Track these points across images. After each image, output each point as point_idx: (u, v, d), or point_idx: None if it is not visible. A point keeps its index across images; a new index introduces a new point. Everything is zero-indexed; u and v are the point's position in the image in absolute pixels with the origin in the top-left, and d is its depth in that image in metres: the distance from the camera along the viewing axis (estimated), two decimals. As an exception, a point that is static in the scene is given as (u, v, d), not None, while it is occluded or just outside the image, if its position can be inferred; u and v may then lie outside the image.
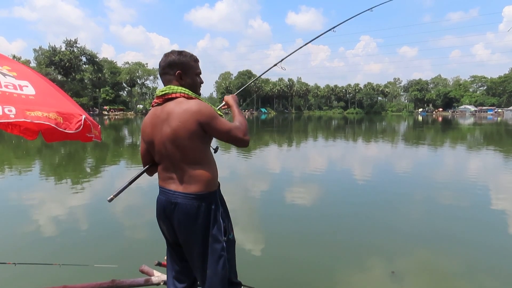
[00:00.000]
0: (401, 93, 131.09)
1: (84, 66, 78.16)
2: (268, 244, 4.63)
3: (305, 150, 16.64)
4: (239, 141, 1.90)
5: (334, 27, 3.00)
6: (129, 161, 11.54)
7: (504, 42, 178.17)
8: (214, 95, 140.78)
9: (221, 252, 1.92)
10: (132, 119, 57.90)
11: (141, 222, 5.41)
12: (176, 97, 1.89)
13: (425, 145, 18.75)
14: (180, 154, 1.85)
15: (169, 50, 2.01)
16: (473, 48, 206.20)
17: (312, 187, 8.04)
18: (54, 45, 71.46)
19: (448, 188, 8.00)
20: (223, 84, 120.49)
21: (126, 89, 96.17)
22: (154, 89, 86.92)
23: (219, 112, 1.95)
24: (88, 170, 10.90)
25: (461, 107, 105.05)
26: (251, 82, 2.66)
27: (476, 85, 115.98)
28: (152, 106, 2.00)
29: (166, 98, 1.91)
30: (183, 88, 1.91)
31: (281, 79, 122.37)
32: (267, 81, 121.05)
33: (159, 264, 2.82)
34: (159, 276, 2.80)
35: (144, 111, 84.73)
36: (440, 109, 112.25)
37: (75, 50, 72.78)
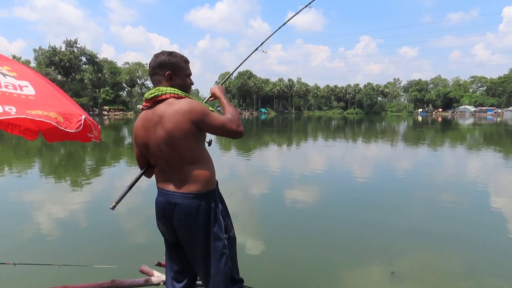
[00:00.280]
0: (401, 94, 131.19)
1: (84, 66, 78.17)
2: (268, 244, 4.63)
3: (305, 151, 16.64)
4: (234, 133, 1.91)
5: (309, 4, 2.96)
6: (129, 161, 11.54)
7: (504, 43, 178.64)
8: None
9: (223, 250, 1.92)
10: (132, 119, 57.88)
11: (141, 222, 5.41)
12: (166, 98, 1.87)
13: (425, 145, 18.76)
14: (176, 155, 1.85)
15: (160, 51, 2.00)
16: (473, 48, 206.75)
17: (312, 187, 8.04)
18: (54, 45, 71.53)
19: (448, 188, 8.00)
20: (223, 85, 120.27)
21: (126, 89, 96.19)
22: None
23: (210, 108, 1.94)
24: (88, 170, 10.89)
25: (461, 107, 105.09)
26: (235, 70, 2.61)
27: (476, 86, 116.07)
28: (142, 110, 1.99)
29: (156, 101, 1.90)
30: (172, 88, 1.90)
31: (281, 79, 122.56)
32: (267, 81, 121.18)
33: (159, 264, 2.82)
34: (159, 276, 2.80)
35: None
36: (440, 110, 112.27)
37: (75, 50, 72.78)
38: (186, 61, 2.01)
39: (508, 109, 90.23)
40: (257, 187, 8.13)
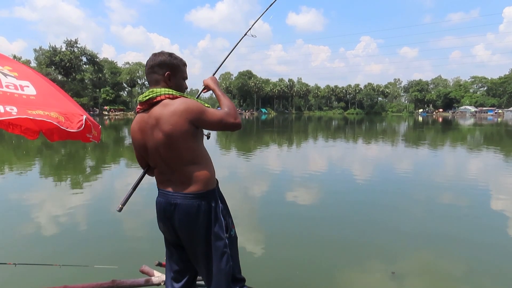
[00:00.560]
0: (402, 94, 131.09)
1: (84, 66, 78.23)
2: (269, 244, 4.62)
3: (306, 151, 16.63)
4: (232, 127, 1.92)
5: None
6: (130, 161, 11.55)
7: (504, 43, 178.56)
8: (214, 95, 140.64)
9: (224, 249, 1.93)
10: (132, 119, 57.81)
11: (142, 222, 5.41)
12: (161, 100, 1.86)
13: (425, 146, 18.75)
14: (175, 157, 1.85)
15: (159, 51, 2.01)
16: (474, 49, 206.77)
17: (312, 188, 8.03)
18: (55, 45, 71.60)
19: (449, 188, 7.99)
20: (223, 85, 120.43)
21: (127, 89, 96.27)
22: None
23: (206, 104, 1.94)
24: (89, 170, 10.90)
25: (462, 107, 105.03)
26: (227, 56, 2.57)
27: (476, 86, 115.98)
28: (137, 112, 1.98)
29: (151, 103, 1.89)
30: (166, 89, 1.89)
31: (281, 80, 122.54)
32: (267, 81, 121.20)
33: (160, 265, 2.82)
34: (159, 276, 2.80)
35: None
36: (441, 110, 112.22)
37: (76, 50, 72.83)
38: (185, 65, 2.03)
39: (509, 109, 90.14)
40: (257, 187, 8.12)
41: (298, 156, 14.84)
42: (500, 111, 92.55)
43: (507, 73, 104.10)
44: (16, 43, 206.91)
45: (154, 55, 1.96)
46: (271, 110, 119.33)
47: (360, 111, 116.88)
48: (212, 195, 1.93)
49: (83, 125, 2.01)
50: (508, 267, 3.95)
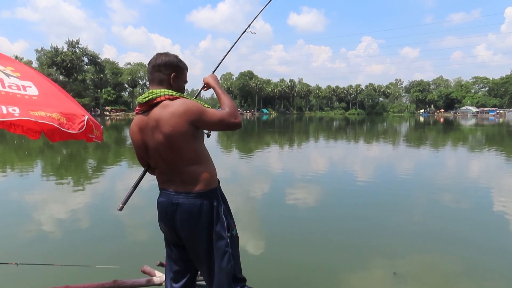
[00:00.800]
0: (403, 94, 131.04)
1: (86, 66, 78.42)
2: (270, 245, 4.62)
3: (307, 151, 16.63)
4: (232, 126, 1.91)
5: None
6: (131, 161, 11.57)
7: (506, 43, 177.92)
8: (215, 95, 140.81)
9: (226, 248, 1.93)
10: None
11: (143, 222, 5.42)
12: (161, 101, 1.87)
13: (427, 146, 18.72)
14: (176, 157, 1.86)
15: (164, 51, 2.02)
16: (475, 49, 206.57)
17: (313, 188, 8.03)
18: (56, 46, 71.76)
19: (450, 189, 7.98)
20: (224, 85, 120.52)
21: (128, 90, 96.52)
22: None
23: (205, 105, 1.95)
24: (90, 170, 10.92)
25: (463, 108, 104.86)
26: (227, 52, 2.56)
27: (477, 86, 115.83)
28: (136, 114, 1.98)
29: (151, 104, 1.89)
30: (166, 90, 1.89)
31: (282, 80, 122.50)
32: (268, 81, 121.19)
33: (161, 265, 2.83)
34: (160, 276, 2.81)
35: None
36: (442, 110, 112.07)
37: (77, 51, 72.99)
38: (187, 69, 2.07)
39: (510, 109, 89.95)
40: (259, 188, 8.12)
41: (299, 156, 14.84)
42: (501, 111, 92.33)
43: (509, 73, 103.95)
44: (18, 44, 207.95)
45: (160, 54, 1.97)
46: (272, 110, 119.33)
47: (361, 112, 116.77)
48: (214, 194, 1.94)
49: (85, 126, 2.01)
50: (510, 268, 3.94)
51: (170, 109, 1.82)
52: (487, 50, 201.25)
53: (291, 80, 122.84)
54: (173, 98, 1.87)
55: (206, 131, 2.03)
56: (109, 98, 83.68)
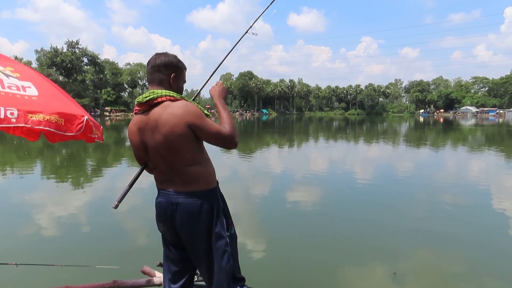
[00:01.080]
0: (403, 94, 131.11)
1: (85, 67, 78.41)
2: (269, 244, 4.62)
3: (307, 151, 16.63)
4: (228, 143, 1.86)
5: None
6: (130, 161, 11.56)
7: (505, 43, 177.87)
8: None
9: (225, 247, 1.94)
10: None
11: (143, 222, 5.41)
12: (162, 101, 1.86)
13: (427, 146, 18.73)
14: (176, 158, 1.85)
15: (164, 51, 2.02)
16: (475, 49, 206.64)
17: (313, 188, 8.03)
18: (56, 46, 71.79)
19: (450, 189, 7.98)
20: (224, 85, 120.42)
21: (128, 90, 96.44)
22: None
23: (206, 112, 1.95)
24: (90, 171, 10.91)
25: (463, 108, 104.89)
26: (229, 53, 2.55)
27: (477, 86, 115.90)
28: (135, 113, 1.97)
29: (151, 104, 1.88)
30: (167, 91, 1.89)
31: (282, 80, 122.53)
32: (268, 82, 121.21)
33: (161, 265, 2.81)
34: (160, 277, 2.81)
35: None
36: (442, 110, 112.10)
37: (77, 51, 73.01)
38: (186, 69, 2.07)
39: (510, 110, 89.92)
40: (258, 188, 8.12)
41: (299, 156, 14.84)
42: (501, 111, 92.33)
43: (509, 73, 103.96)
44: (18, 44, 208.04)
45: (159, 54, 1.96)
46: (272, 110, 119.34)
47: (361, 112, 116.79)
48: (213, 194, 1.94)
49: (83, 127, 2.01)
50: (510, 268, 3.94)
51: (171, 110, 1.81)
52: (487, 50, 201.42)
53: (290, 81, 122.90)
54: (174, 100, 1.87)
55: None
56: (108, 98, 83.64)
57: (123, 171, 10.62)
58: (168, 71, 1.93)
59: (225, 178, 8.76)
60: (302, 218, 5.75)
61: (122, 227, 5.37)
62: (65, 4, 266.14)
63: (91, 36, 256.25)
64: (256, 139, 23.52)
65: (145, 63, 2.03)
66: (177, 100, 1.87)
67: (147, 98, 1.87)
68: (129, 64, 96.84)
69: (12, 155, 14.66)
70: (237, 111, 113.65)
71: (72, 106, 2.15)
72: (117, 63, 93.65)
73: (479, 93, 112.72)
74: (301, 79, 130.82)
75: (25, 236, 4.90)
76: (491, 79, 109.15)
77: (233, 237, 2.09)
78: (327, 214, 6.01)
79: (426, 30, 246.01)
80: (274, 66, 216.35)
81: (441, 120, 66.25)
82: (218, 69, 2.48)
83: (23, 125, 1.76)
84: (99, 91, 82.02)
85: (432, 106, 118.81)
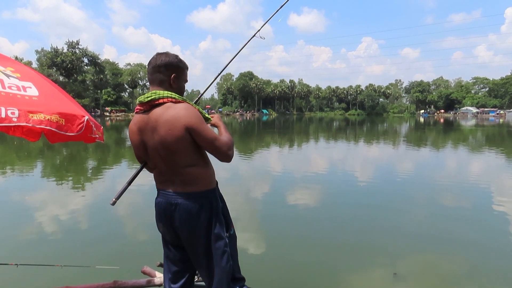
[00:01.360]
0: (403, 95, 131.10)
1: (86, 67, 78.35)
2: (269, 244, 4.62)
3: (307, 152, 16.63)
4: (223, 154, 1.85)
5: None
6: (131, 162, 11.57)
7: (506, 44, 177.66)
8: (216, 96, 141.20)
9: (225, 248, 1.94)
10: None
11: (143, 223, 5.41)
12: (164, 102, 1.85)
13: (427, 147, 18.72)
14: (175, 159, 1.85)
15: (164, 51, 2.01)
16: (475, 49, 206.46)
17: (314, 189, 8.03)
18: (56, 47, 71.70)
19: (451, 190, 7.98)
20: (224, 85, 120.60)
21: (128, 90, 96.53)
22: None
23: (206, 115, 1.94)
24: (90, 171, 10.92)
25: (463, 108, 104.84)
26: (236, 55, 2.55)
27: (478, 87, 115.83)
28: (136, 113, 1.97)
29: (152, 104, 1.88)
30: (169, 92, 1.88)
31: (282, 81, 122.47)
32: (268, 82, 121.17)
33: (161, 265, 2.82)
34: (161, 277, 2.80)
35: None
36: (442, 111, 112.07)
37: (77, 52, 72.96)
38: (188, 68, 2.05)
39: (511, 110, 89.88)
40: (258, 188, 8.12)
41: (300, 157, 14.84)
42: (501, 112, 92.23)
43: (509, 74, 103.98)
44: (18, 45, 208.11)
45: (160, 55, 1.96)
46: (272, 111, 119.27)
47: (362, 112, 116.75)
48: (212, 195, 1.95)
49: (84, 127, 2.01)
50: (510, 268, 3.93)
51: (171, 111, 1.81)
52: (488, 50, 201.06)
53: (291, 81, 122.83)
54: (176, 102, 1.87)
55: None
56: (109, 98, 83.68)
57: (123, 171, 10.62)
58: (168, 71, 1.92)
59: (225, 178, 8.76)
60: (302, 218, 5.75)
61: (123, 227, 5.37)
62: (66, 4, 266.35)
63: (92, 36, 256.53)
64: (256, 139, 23.52)
65: (146, 63, 2.04)
66: (179, 102, 1.87)
67: (149, 98, 1.87)
68: (129, 64, 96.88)
69: (13, 155, 14.67)
70: (237, 111, 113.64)
71: (72, 106, 2.15)
72: (117, 63, 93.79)
73: (480, 93, 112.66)
74: (302, 79, 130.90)
75: (25, 236, 4.90)
76: (491, 79, 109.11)
77: (233, 237, 2.09)
78: (327, 214, 6.01)
79: (427, 30, 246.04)
80: (275, 66, 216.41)
81: (442, 120, 66.23)
82: (222, 72, 2.48)
83: (24, 124, 1.75)
84: (99, 91, 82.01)
85: (432, 106, 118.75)
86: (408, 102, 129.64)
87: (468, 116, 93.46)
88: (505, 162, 12.84)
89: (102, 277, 2.94)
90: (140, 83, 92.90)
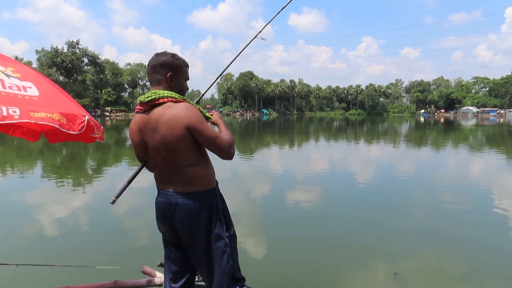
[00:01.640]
0: (403, 95, 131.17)
1: (86, 67, 78.39)
2: (270, 245, 4.62)
3: (307, 152, 16.62)
4: (224, 152, 1.85)
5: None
6: (131, 162, 11.56)
7: (506, 43, 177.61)
8: (216, 96, 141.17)
9: (225, 247, 1.94)
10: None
11: (143, 223, 5.41)
12: (164, 102, 1.85)
13: (427, 146, 18.71)
14: (175, 158, 1.85)
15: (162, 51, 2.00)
16: (476, 49, 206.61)
17: (314, 189, 8.02)
18: (56, 47, 71.72)
19: (451, 190, 7.97)
20: (224, 85, 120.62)
21: (128, 90, 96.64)
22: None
23: (207, 115, 1.93)
24: (90, 171, 10.92)
25: (463, 108, 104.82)
26: (237, 55, 2.54)
27: (478, 86, 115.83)
28: (136, 112, 1.97)
29: (152, 104, 1.87)
30: (169, 92, 1.88)
31: (282, 80, 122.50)
32: (268, 82, 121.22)
33: (162, 265, 2.82)
34: (161, 277, 2.80)
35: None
36: (442, 110, 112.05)
37: (77, 52, 72.98)
38: (187, 66, 2.02)
39: (511, 110, 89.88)
40: (259, 188, 8.12)
41: (300, 157, 14.83)
42: (502, 111, 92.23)
43: (509, 73, 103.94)
44: (19, 45, 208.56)
45: (157, 55, 1.96)
46: (272, 111, 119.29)
47: (362, 112, 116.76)
48: (213, 194, 1.94)
49: (85, 126, 2.01)
50: (510, 268, 3.93)
51: (172, 111, 1.81)
52: (488, 50, 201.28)
53: (291, 81, 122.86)
54: (176, 101, 1.86)
55: None
56: (109, 98, 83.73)
57: (124, 171, 10.61)
58: (164, 70, 1.92)
59: (225, 178, 8.76)
60: (302, 218, 5.74)
61: (123, 227, 5.37)
62: (66, 5, 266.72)
63: (92, 36, 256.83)
64: (256, 139, 23.52)
65: (146, 63, 2.04)
66: (179, 101, 1.87)
67: (149, 98, 1.87)
68: (129, 64, 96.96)
69: (13, 155, 14.67)
70: (238, 111, 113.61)
71: (72, 106, 2.14)
72: (117, 63, 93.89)
73: (480, 93, 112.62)
74: (302, 79, 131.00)
75: (25, 237, 4.90)
76: (492, 79, 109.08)
77: (233, 237, 2.09)
78: (327, 214, 6.00)
79: (427, 30, 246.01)
80: (275, 66, 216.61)
81: (442, 120, 66.19)
82: (224, 72, 2.48)
83: (27, 120, 1.75)
84: (99, 91, 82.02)
85: (432, 106, 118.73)
86: (408, 102, 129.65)
87: (468, 115, 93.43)
88: (506, 162, 12.82)
89: (103, 277, 2.94)
90: (140, 83, 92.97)
